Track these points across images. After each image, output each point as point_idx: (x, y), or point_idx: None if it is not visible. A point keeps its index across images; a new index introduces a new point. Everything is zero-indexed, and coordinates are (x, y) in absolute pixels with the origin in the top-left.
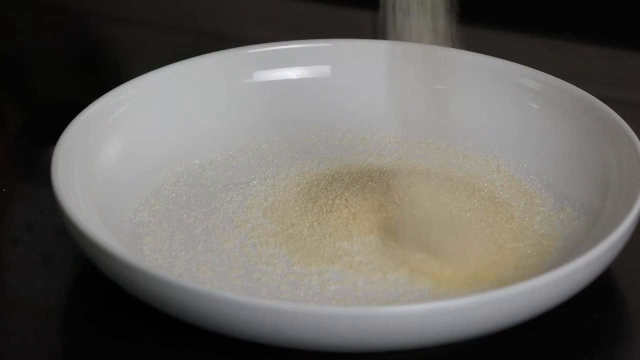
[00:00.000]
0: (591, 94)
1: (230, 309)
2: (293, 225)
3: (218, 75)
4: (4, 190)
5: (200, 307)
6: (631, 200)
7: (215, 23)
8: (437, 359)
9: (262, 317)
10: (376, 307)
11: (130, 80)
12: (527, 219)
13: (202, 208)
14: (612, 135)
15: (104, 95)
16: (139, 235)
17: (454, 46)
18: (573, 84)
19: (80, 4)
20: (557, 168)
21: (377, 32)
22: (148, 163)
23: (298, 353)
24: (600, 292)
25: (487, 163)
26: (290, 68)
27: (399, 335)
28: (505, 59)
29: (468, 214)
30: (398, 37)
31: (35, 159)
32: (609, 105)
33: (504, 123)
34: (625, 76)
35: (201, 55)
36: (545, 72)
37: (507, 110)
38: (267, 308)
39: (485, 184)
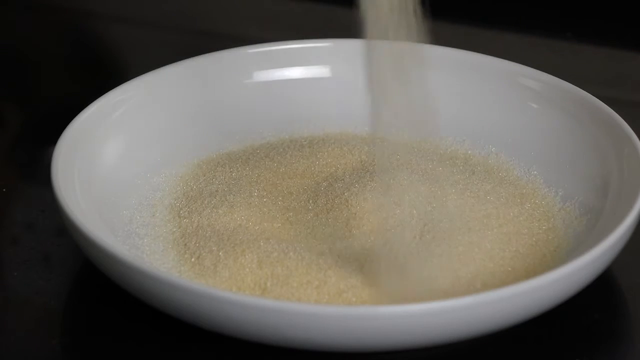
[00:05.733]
0: (591, 94)
1: (230, 309)
2: (293, 225)
3: (218, 75)
4: (4, 190)
5: (200, 307)
6: (631, 200)
7: (215, 23)
8: (437, 359)
9: (263, 317)
10: (376, 307)
11: (130, 80)
12: (527, 219)
13: (202, 208)
14: (612, 135)
15: (104, 95)
16: (139, 235)
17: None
18: (573, 84)
19: (80, 4)
20: (557, 168)
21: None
22: (148, 163)
23: (298, 353)
24: (600, 292)
25: (486, 163)
26: (290, 68)
27: (399, 335)
28: (505, 59)
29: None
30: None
31: (35, 159)
32: (609, 105)
33: (504, 123)
34: (625, 76)
35: (201, 55)
36: (545, 72)
37: (507, 110)
38: (267, 308)
39: (485, 184)
